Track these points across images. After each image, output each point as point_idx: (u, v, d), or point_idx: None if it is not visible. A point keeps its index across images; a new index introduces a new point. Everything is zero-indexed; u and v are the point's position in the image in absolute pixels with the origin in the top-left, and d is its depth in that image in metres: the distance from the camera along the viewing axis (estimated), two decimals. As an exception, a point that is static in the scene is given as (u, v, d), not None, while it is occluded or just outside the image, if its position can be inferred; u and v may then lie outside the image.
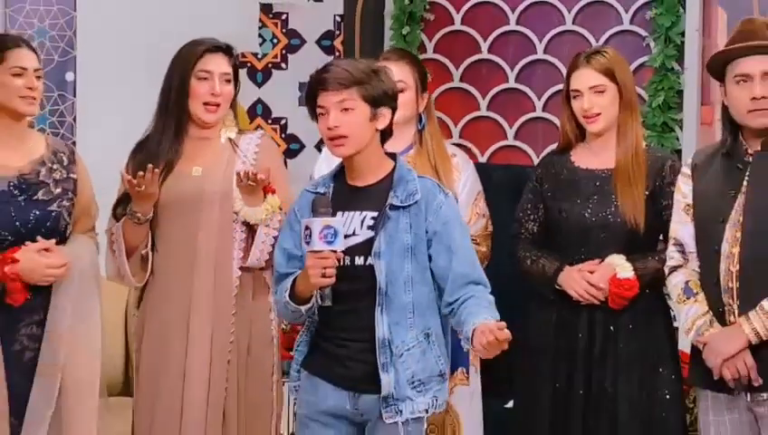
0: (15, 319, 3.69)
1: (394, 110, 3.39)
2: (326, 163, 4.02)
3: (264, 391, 4.00)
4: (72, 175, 3.83)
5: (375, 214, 3.29)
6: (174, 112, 3.92)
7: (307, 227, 3.24)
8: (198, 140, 3.96)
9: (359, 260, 3.30)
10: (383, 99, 3.34)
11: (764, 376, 3.53)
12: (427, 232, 3.32)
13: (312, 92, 3.34)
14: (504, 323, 3.12)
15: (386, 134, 3.39)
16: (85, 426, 3.76)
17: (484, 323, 3.13)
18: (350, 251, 3.29)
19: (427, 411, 3.32)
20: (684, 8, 5.37)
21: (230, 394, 3.92)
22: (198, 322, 3.87)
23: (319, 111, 3.32)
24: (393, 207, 3.30)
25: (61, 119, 5.43)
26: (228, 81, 3.95)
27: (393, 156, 3.44)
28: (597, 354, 3.89)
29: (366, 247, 3.28)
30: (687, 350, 3.94)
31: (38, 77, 3.74)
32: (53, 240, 3.69)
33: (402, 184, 3.33)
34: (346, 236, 3.27)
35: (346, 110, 3.29)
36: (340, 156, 3.37)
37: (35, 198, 3.73)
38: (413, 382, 3.29)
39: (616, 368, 3.88)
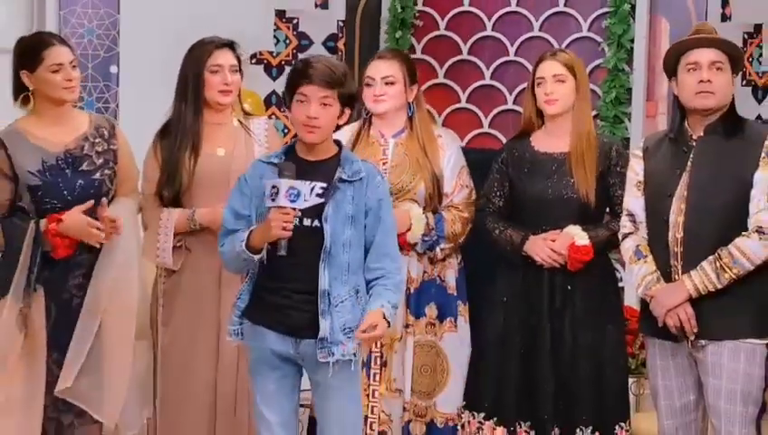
0: (66, 272, 3.70)
1: (353, 109, 3.41)
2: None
3: None
4: (112, 147, 3.81)
5: (323, 184, 3.26)
6: (192, 101, 3.89)
7: (274, 187, 3.22)
8: (214, 125, 3.94)
9: (307, 222, 3.27)
10: (350, 100, 3.36)
11: (701, 325, 3.53)
12: (365, 205, 3.32)
13: (295, 82, 3.31)
14: (369, 324, 3.20)
15: (338, 126, 3.44)
16: (121, 363, 3.75)
17: (367, 317, 3.23)
18: (300, 213, 3.28)
19: (354, 355, 3.29)
20: (633, 18, 5.40)
21: None
22: (227, 282, 3.83)
23: (299, 98, 3.29)
24: (341, 181, 3.30)
25: (106, 105, 5.42)
26: (235, 71, 3.93)
27: (338, 142, 3.45)
28: (557, 310, 3.89)
29: (314, 211, 3.26)
30: (633, 305, 3.94)
31: (74, 66, 3.72)
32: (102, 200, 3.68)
33: (348, 163, 3.34)
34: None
35: (325, 105, 3.28)
36: (310, 142, 3.33)
37: (80, 168, 3.72)
38: (344, 329, 3.26)
39: (573, 321, 3.88)
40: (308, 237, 3.26)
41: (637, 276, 3.65)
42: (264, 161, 3.41)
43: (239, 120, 4.00)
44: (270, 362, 3.36)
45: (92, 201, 3.66)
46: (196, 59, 3.89)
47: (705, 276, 3.49)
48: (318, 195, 3.25)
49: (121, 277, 3.72)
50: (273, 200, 3.22)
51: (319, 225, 3.27)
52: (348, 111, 3.36)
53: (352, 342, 3.27)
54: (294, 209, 3.21)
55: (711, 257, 3.49)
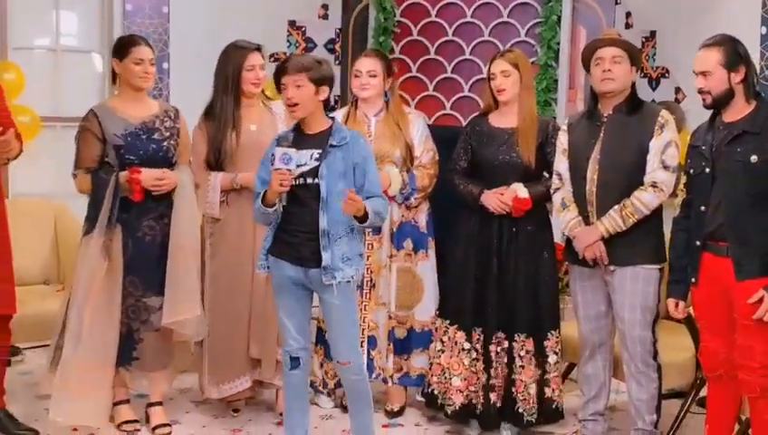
0: (139, 216, 3.76)
1: (331, 87, 3.37)
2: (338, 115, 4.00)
3: None
4: (176, 125, 3.89)
5: (320, 151, 3.29)
6: (232, 91, 3.90)
7: (273, 154, 3.27)
8: (248, 107, 3.96)
9: (309, 180, 3.29)
10: (323, 80, 3.32)
11: (610, 256, 3.58)
12: (353, 162, 3.32)
13: (278, 74, 3.34)
14: (353, 197, 3.19)
15: (327, 103, 3.39)
16: (194, 290, 3.79)
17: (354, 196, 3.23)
18: (304, 175, 3.29)
19: (352, 278, 3.31)
20: (560, 26, 5.36)
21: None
22: (260, 227, 3.81)
23: (281, 87, 3.32)
24: (332, 146, 3.31)
25: (160, 93, 5.42)
26: (263, 68, 3.96)
27: (332, 118, 3.43)
28: (504, 246, 3.90)
29: (313, 172, 3.28)
30: (560, 242, 3.96)
31: (152, 64, 3.79)
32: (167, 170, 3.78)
33: (338, 133, 3.34)
34: (300, 166, 3.28)
35: (298, 87, 3.28)
36: (295, 118, 3.37)
37: (153, 137, 3.79)
38: (343, 258, 3.28)
39: (517, 254, 3.89)
40: (310, 192, 3.29)
41: (563, 221, 3.68)
42: (275, 138, 3.41)
43: (262, 102, 4.02)
44: (287, 286, 3.39)
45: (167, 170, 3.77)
46: (236, 60, 3.90)
47: (613, 221, 3.52)
48: (316, 159, 3.27)
49: (189, 231, 3.78)
50: (272, 165, 3.26)
51: (317, 181, 3.28)
52: (326, 89, 3.33)
53: (350, 267, 3.30)
54: (289, 170, 3.22)
55: (617, 206, 3.52)
